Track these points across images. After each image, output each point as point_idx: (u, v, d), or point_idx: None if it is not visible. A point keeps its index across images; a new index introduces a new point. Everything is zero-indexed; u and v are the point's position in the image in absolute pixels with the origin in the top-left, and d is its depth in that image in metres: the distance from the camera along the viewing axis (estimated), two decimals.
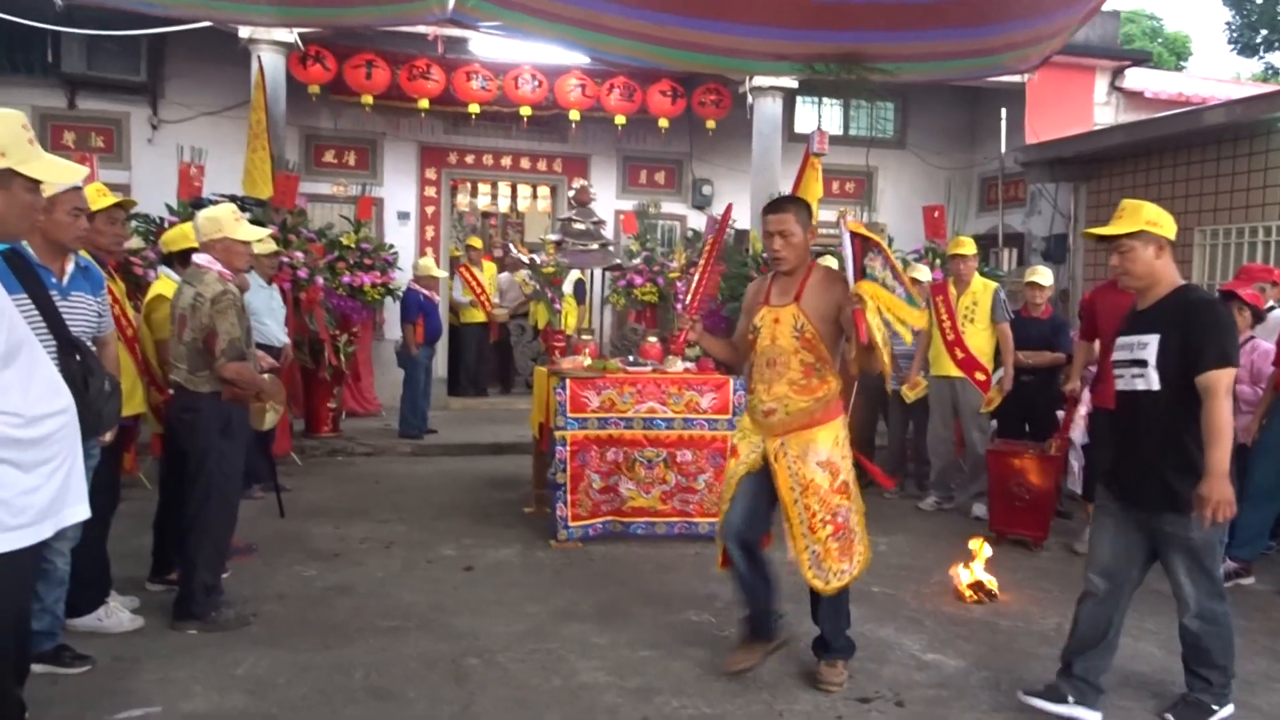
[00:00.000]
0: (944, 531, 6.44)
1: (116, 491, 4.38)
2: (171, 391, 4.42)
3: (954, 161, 12.78)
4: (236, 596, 4.53)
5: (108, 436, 3.81)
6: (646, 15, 6.98)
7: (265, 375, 4.62)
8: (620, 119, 10.90)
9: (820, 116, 12.49)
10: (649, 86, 10.78)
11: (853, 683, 3.83)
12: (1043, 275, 7.09)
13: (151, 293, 5.01)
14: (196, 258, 4.37)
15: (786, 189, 9.71)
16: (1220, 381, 3.20)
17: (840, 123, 12.91)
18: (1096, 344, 5.98)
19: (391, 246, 9.94)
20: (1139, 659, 4.21)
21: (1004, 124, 10.61)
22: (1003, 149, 10.61)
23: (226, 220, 4.33)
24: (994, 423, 7.34)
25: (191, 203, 7.70)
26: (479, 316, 11.40)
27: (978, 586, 5.00)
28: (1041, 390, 6.96)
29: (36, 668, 3.47)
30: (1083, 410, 5.96)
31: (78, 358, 3.41)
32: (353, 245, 9.39)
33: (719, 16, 6.93)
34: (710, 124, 11.18)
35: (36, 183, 2.48)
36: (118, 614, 4.21)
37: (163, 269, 5.33)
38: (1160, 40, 24.85)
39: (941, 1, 6.21)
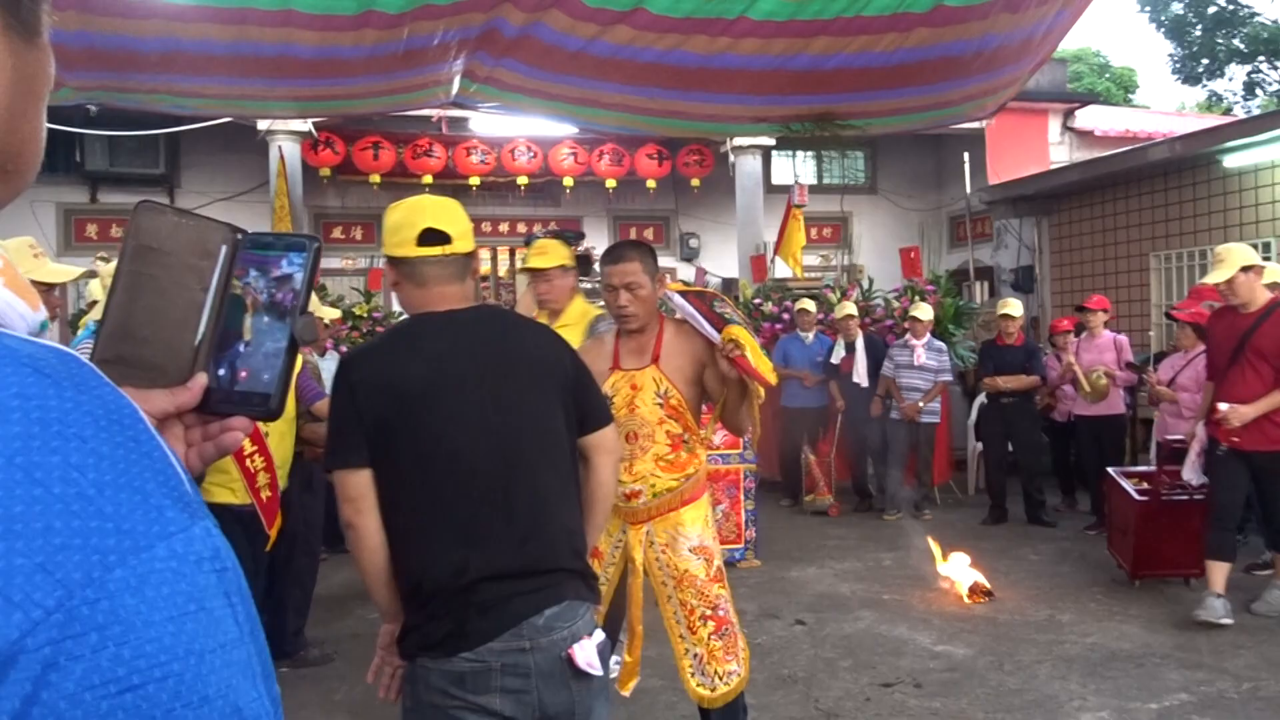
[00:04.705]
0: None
1: None
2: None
3: (924, 203, 13.55)
4: (314, 638, 5.02)
5: None
6: (635, 90, 7.67)
7: None
8: (611, 182, 11.61)
9: (796, 169, 13.25)
10: (636, 151, 11.51)
11: (875, 671, 4.39)
12: (1013, 307, 7.77)
13: None
14: None
15: (770, 238, 10.39)
16: None
17: (815, 173, 13.68)
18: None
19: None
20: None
21: (967, 166, 11.37)
22: (968, 189, 11.36)
23: None
24: (979, 445, 7.96)
25: None
26: None
27: (975, 588, 5.57)
28: (1020, 412, 7.60)
29: None
30: (1196, 448, 5.49)
31: None
32: (365, 315, 9.97)
33: (702, 88, 7.63)
34: (695, 182, 11.92)
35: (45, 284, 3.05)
36: None
37: None
38: (1108, 76, 26.04)
39: (906, 64, 6.95)
